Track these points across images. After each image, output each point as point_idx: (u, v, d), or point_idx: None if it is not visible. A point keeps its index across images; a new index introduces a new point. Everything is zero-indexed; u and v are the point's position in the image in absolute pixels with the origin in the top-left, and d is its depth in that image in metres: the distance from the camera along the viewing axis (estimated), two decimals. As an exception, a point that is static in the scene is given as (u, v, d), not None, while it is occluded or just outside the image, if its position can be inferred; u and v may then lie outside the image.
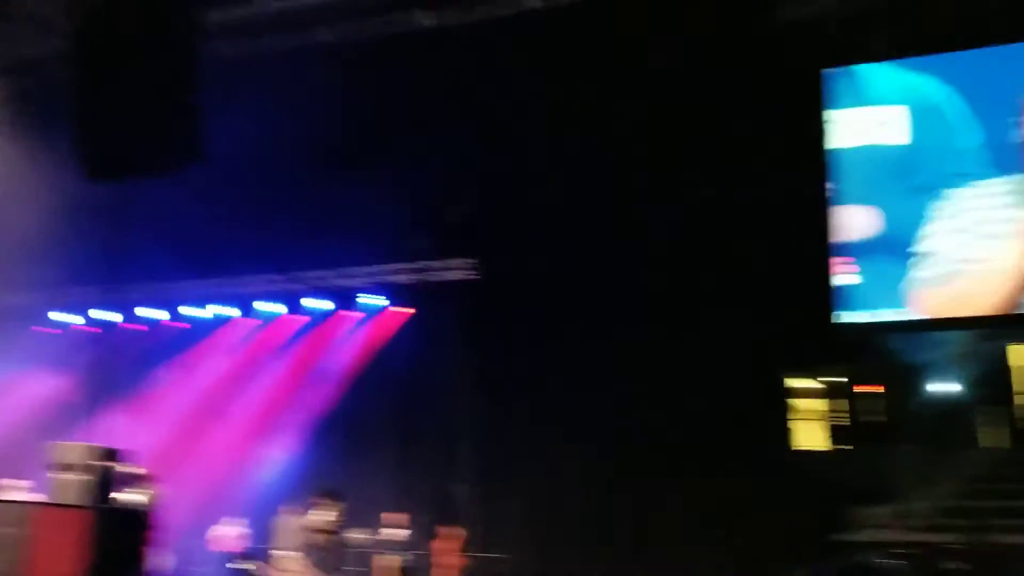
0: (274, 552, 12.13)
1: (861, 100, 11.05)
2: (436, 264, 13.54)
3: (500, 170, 12.10)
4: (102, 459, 8.62)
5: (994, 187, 9.89)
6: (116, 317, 15.79)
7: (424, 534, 12.54)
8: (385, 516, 12.33)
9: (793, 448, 15.21)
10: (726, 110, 11.27)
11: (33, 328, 15.47)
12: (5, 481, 10.94)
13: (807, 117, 11.30)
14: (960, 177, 10.20)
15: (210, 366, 14.98)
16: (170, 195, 10.91)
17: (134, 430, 12.76)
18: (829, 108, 11.22)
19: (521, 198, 12.33)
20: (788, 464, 13.45)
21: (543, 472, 12.55)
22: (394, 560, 12.06)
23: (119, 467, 9.02)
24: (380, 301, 14.10)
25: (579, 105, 11.39)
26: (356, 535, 12.36)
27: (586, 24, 10.61)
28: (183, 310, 15.30)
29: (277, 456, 14.05)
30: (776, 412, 14.18)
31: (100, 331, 15.89)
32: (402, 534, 12.20)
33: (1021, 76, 10.11)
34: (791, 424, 15.69)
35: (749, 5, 10.63)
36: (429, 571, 12.08)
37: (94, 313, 15.87)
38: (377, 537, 12.35)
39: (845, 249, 11.03)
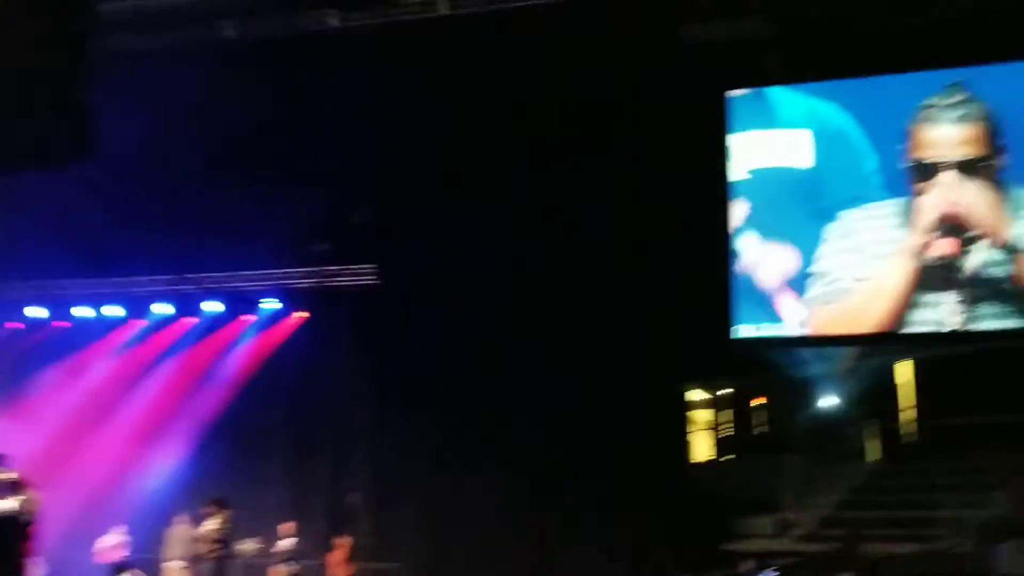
0: (163, 563, 11.79)
1: (766, 123, 11.36)
2: (334, 269, 13.35)
3: (401, 175, 12.02)
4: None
5: (882, 209, 10.29)
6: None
7: (317, 544, 12.36)
8: (280, 527, 12.11)
9: (690, 459, 15.57)
10: (628, 129, 11.48)
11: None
12: None
13: (709, 137, 11.58)
14: (855, 200, 10.58)
15: (97, 368, 14.43)
16: (60, 191, 10.52)
17: (12, 434, 12.17)
18: (731, 131, 11.50)
19: (421, 204, 12.28)
20: (683, 474, 13.74)
21: (438, 480, 12.51)
22: (286, 571, 11.84)
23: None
24: (275, 305, 13.82)
25: (481, 109, 11.42)
26: (246, 545, 12.11)
27: (491, 30, 10.67)
28: (70, 310, 14.68)
29: (165, 463, 13.61)
30: (674, 423, 14.47)
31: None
32: (292, 544, 11.99)
33: (906, 104, 10.57)
34: (689, 435, 16.07)
35: (654, 25, 10.83)
36: (321, 581, 11.91)
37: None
38: (269, 547, 12.11)
39: (746, 263, 11.32)
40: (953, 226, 9.67)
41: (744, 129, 11.41)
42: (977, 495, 11.29)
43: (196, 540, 11.56)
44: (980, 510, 10.87)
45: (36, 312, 14.75)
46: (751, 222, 11.31)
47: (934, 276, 10.05)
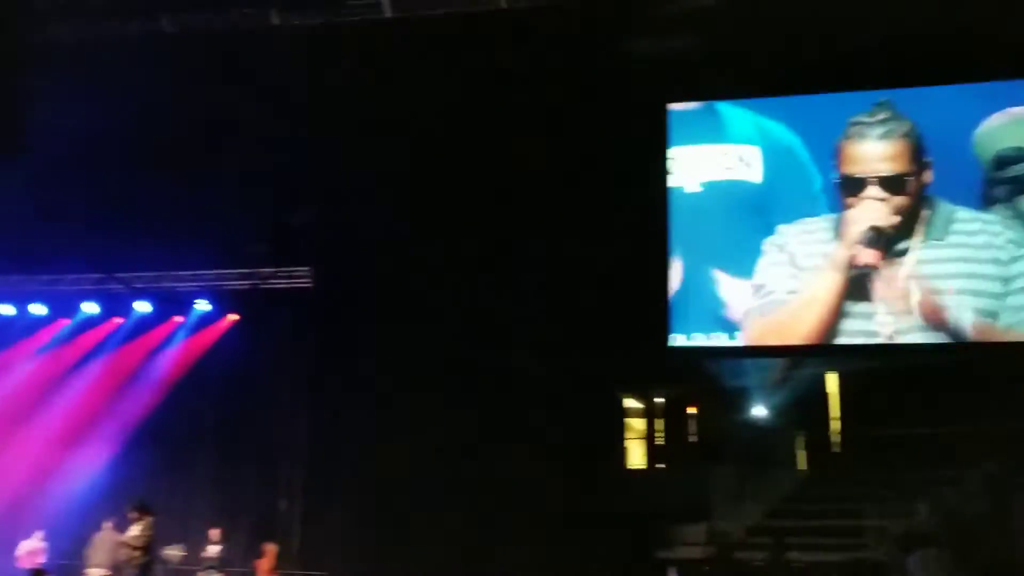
0: (86, 570, 11.49)
1: (718, 138, 11.53)
2: (268, 271, 13.16)
3: (339, 177, 11.92)
4: None
5: (816, 224, 10.52)
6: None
7: (244, 551, 12.17)
8: (207, 533, 11.89)
9: (627, 467, 15.70)
10: (566, 139, 11.55)
11: None
12: None
13: (649, 149, 11.70)
14: (795, 215, 10.80)
15: (20, 368, 14.01)
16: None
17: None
18: (683, 143, 11.63)
19: (359, 206, 12.18)
20: (618, 482, 13.84)
21: (369, 487, 12.40)
22: (213, 577, 11.63)
23: None
24: (207, 306, 13.58)
25: (421, 113, 11.39)
26: (171, 552, 11.86)
27: (433, 35, 10.65)
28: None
29: (89, 467, 13.26)
30: (610, 431, 14.57)
31: None
32: (219, 550, 11.78)
33: (838, 122, 10.83)
34: (627, 443, 16.20)
35: (594, 39, 10.92)
36: (248, 588, 11.71)
37: None
38: (195, 554, 11.88)
39: (685, 276, 11.45)
40: (878, 238, 9.92)
41: (696, 142, 11.56)
42: (900, 505, 11.57)
43: (119, 546, 11.28)
44: (902, 520, 11.14)
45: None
46: (696, 234, 11.45)
47: (863, 287, 10.28)
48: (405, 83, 11.19)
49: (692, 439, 16.36)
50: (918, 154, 10.16)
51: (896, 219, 9.98)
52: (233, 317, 13.59)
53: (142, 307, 13.75)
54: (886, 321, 10.23)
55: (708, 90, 11.67)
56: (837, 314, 10.31)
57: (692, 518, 13.10)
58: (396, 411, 12.22)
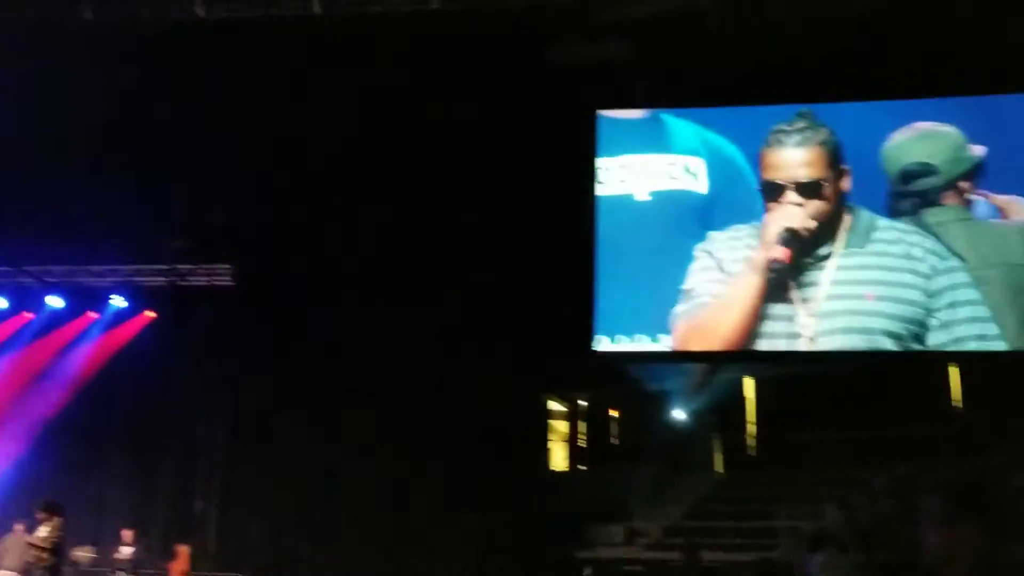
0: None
1: (664, 148, 11.70)
2: (187, 268, 12.91)
3: (261, 174, 11.74)
4: None
5: (743, 230, 10.74)
6: None
7: (158, 552, 11.92)
8: (123, 533, 11.62)
9: (549, 468, 15.83)
10: (496, 140, 11.58)
11: None
12: None
13: (577, 156, 11.80)
14: (730, 222, 11.04)
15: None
16: None
17: None
18: (621, 152, 11.77)
19: (281, 204, 12.03)
20: (540, 482, 13.93)
21: (287, 486, 12.26)
22: (125, 579, 11.36)
23: None
24: (123, 303, 13.26)
25: (346, 113, 11.29)
26: (82, 553, 11.55)
27: (360, 34, 10.57)
28: None
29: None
30: (534, 433, 14.65)
31: None
32: (131, 552, 11.51)
33: (759, 133, 11.08)
34: (549, 445, 16.33)
35: (526, 45, 10.97)
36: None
37: None
38: (107, 555, 11.59)
39: (612, 280, 11.58)
40: (792, 238, 10.18)
41: (645, 151, 11.70)
42: (811, 507, 11.91)
43: (28, 547, 10.93)
44: (812, 521, 11.46)
45: None
46: (633, 240, 11.59)
47: (785, 290, 10.53)
48: (332, 81, 11.07)
49: (614, 441, 16.61)
50: (834, 161, 10.44)
51: (813, 223, 10.22)
52: (150, 314, 13.29)
53: (54, 302, 13.36)
54: (807, 323, 10.46)
55: (641, 99, 11.83)
56: (758, 316, 10.51)
57: (611, 519, 13.29)
58: (317, 412, 12.09)
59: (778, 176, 10.41)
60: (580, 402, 16.85)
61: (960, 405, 13.16)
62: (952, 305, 10.04)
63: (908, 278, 10.19)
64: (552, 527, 12.52)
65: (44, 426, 12.89)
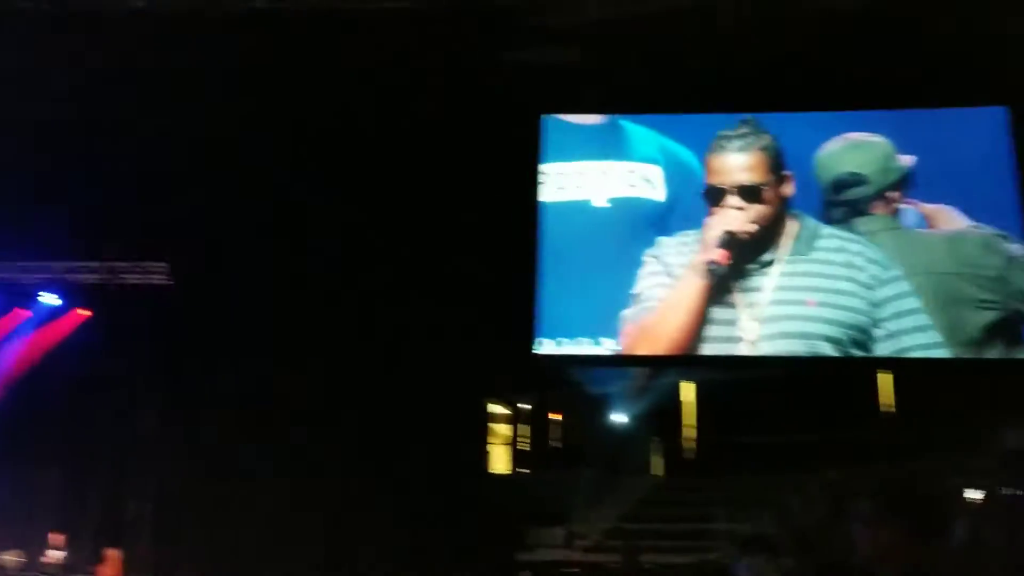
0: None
1: (622, 155, 11.78)
2: (123, 265, 12.64)
3: (200, 171, 11.55)
4: None
5: (691, 236, 10.89)
6: None
7: (89, 556, 11.65)
8: (51, 537, 11.34)
9: (489, 471, 15.83)
10: (440, 142, 11.55)
11: None
12: None
13: (526, 158, 11.84)
14: (681, 228, 11.16)
15: None
16: None
17: None
18: (579, 158, 11.83)
19: (219, 202, 11.84)
20: (480, 486, 13.92)
21: (224, 489, 12.07)
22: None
23: None
24: (55, 300, 12.95)
25: (284, 112, 11.19)
26: (8, 557, 11.25)
27: (302, 30, 10.47)
28: None
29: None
30: (474, 435, 14.62)
31: None
32: (61, 556, 11.25)
33: (706, 141, 11.25)
34: (489, 448, 16.34)
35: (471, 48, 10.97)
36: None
37: None
38: (35, 560, 11.30)
39: (560, 285, 11.63)
40: (730, 240, 10.34)
41: (602, 158, 11.77)
42: (747, 510, 12.09)
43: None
44: (748, 524, 11.63)
45: None
46: (583, 245, 11.66)
47: (729, 294, 10.68)
48: (274, 77, 10.94)
49: (555, 444, 16.69)
50: (775, 166, 10.65)
51: (753, 227, 10.39)
52: (84, 312, 13.01)
53: (-18, 299, 13.02)
54: (750, 328, 10.65)
55: (590, 105, 11.93)
56: (703, 320, 10.66)
57: (551, 522, 13.35)
58: (254, 414, 11.94)
59: (721, 181, 10.60)
60: (522, 405, 16.90)
61: (892, 410, 13.50)
62: (897, 315, 10.32)
63: (849, 286, 10.44)
64: (492, 530, 12.53)
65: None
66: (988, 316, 10.43)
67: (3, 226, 11.54)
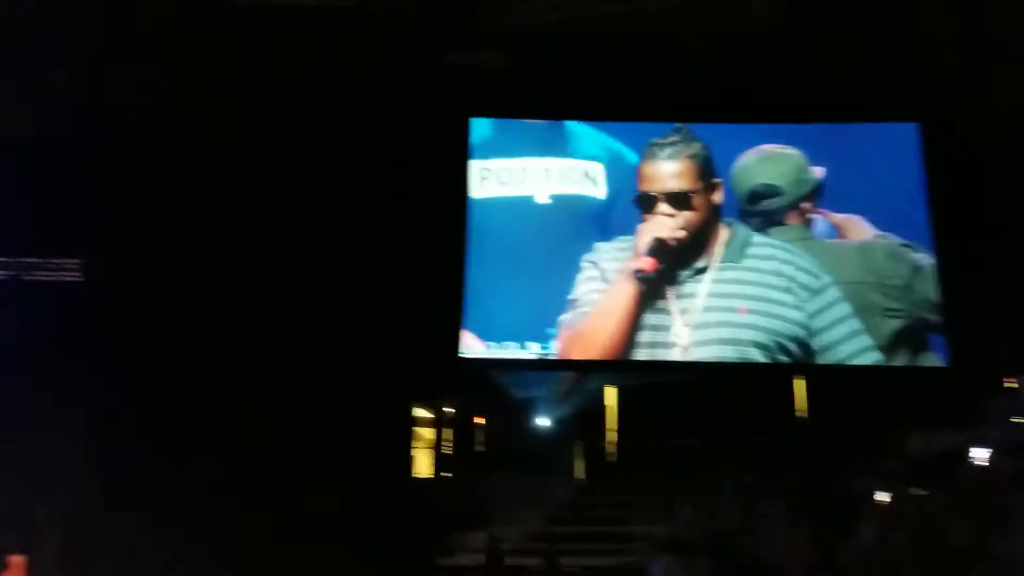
0: None
1: (564, 152, 11.85)
2: (32, 261, 12.25)
3: (114, 163, 11.26)
4: None
5: (628, 242, 11.01)
6: None
7: (-8, 562, 11.22)
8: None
9: (413, 475, 15.74)
10: (368, 141, 11.48)
11: None
12: None
13: (456, 157, 11.84)
14: (619, 233, 11.26)
15: None
16: None
17: None
18: (522, 154, 11.87)
19: (137, 196, 11.56)
20: (404, 490, 13.82)
21: (136, 492, 11.75)
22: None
23: None
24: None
25: (210, 107, 10.99)
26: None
27: (228, 25, 10.31)
28: None
29: None
30: (398, 439, 14.52)
31: None
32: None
33: (640, 147, 11.39)
34: (413, 452, 16.24)
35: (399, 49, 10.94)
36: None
37: None
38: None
39: (492, 287, 11.63)
40: (659, 247, 10.49)
41: (544, 155, 11.82)
42: (667, 512, 12.24)
43: None
44: (668, 526, 11.78)
45: None
46: (517, 245, 11.67)
47: (662, 300, 10.83)
48: (204, 73, 10.75)
49: (479, 448, 16.68)
50: (705, 174, 10.86)
51: (682, 233, 10.59)
52: (-9, 308, 12.55)
53: None
54: (682, 334, 10.82)
55: (520, 109, 12.00)
56: (634, 325, 10.79)
57: (474, 526, 13.33)
58: (169, 412, 11.66)
59: (651, 188, 10.79)
60: (446, 409, 16.86)
61: (804, 415, 13.87)
62: (833, 324, 10.63)
63: (780, 295, 10.71)
64: (414, 535, 12.45)
65: None
66: (895, 324, 10.84)
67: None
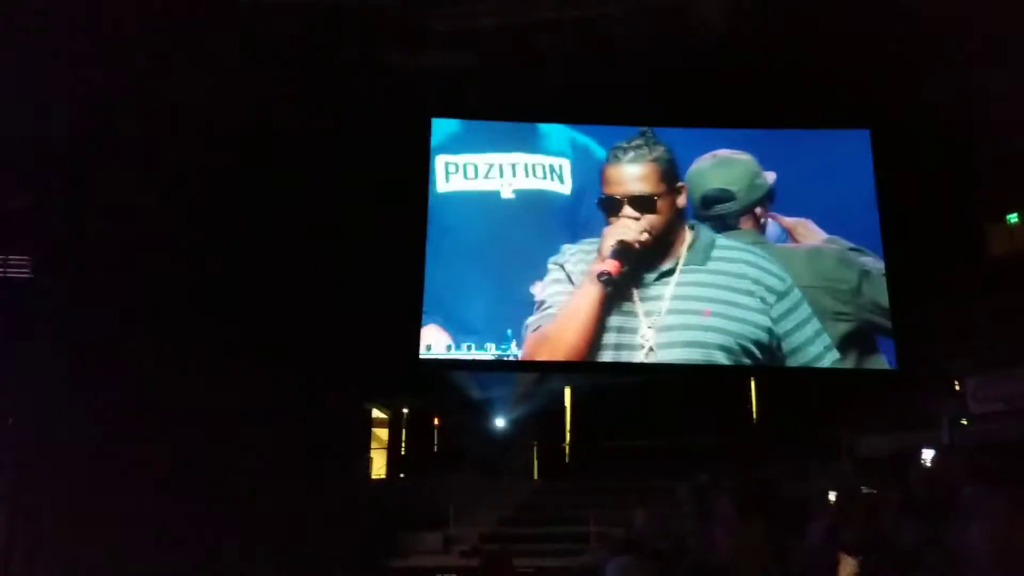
0: None
1: (531, 148, 11.88)
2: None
3: (64, 160, 11.05)
4: None
5: (594, 244, 11.04)
6: None
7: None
8: None
9: (370, 476, 15.67)
10: (330, 138, 11.41)
11: None
12: None
13: (416, 156, 11.80)
14: (585, 234, 11.30)
15: None
16: None
17: None
18: (488, 150, 11.88)
19: (88, 192, 11.35)
20: (361, 491, 13.75)
21: (88, 491, 11.53)
22: None
23: None
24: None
25: (175, 107, 10.84)
26: None
27: (196, 22, 10.18)
28: None
29: None
30: (356, 440, 14.44)
31: None
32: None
33: (607, 145, 11.46)
34: (371, 453, 16.18)
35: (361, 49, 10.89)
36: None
37: None
38: None
39: (450, 287, 11.61)
40: (623, 251, 10.54)
41: (510, 150, 11.84)
42: (621, 513, 12.33)
43: None
44: (623, 527, 11.86)
45: None
46: (476, 244, 11.67)
47: (628, 303, 10.89)
48: (156, 72, 10.59)
49: (436, 449, 16.67)
50: (668, 177, 10.89)
51: (646, 236, 10.61)
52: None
53: None
54: (648, 336, 10.88)
55: (480, 109, 12.01)
56: (600, 327, 10.82)
57: (430, 526, 13.30)
58: (120, 412, 11.46)
59: (616, 191, 10.81)
60: (403, 410, 16.83)
61: (758, 417, 14.09)
62: (797, 326, 10.77)
63: (741, 298, 10.82)
64: (370, 536, 12.39)
65: None
66: (844, 327, 11.02)
67: None
